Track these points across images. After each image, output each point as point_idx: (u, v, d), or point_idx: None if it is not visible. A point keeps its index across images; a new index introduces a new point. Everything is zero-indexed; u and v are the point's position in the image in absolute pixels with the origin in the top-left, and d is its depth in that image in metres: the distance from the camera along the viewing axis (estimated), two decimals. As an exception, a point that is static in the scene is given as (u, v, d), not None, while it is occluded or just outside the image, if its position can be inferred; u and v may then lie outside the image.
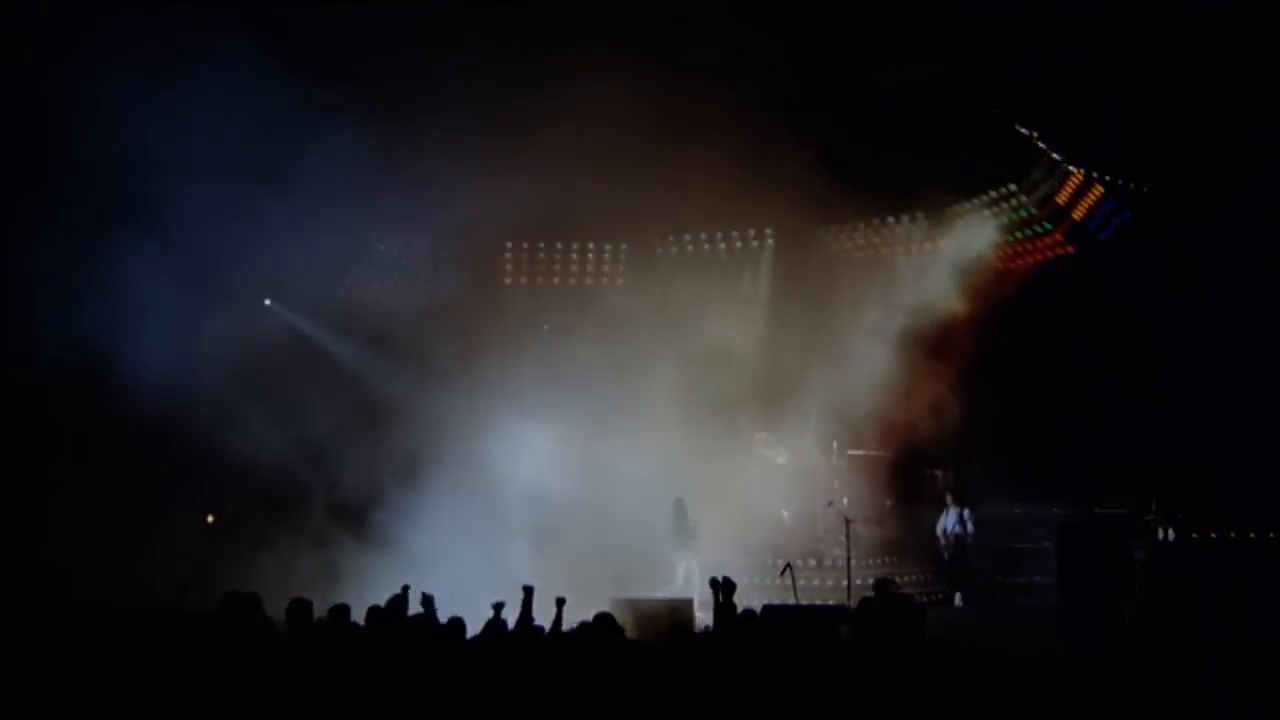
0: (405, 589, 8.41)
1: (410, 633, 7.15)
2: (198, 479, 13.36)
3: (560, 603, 8.05)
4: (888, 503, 15.41)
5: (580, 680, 5.90)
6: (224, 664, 6.11)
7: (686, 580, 13.09)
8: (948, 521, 14.78)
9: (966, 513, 14.72)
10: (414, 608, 8.11)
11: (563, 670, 6.07)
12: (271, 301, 15.05)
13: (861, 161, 13.93)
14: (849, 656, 6.20)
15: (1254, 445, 11.53)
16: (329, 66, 12.25)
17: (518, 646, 6.89)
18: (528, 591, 8.09)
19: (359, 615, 7.31)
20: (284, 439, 13.14)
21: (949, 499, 14.98)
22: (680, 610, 11.04)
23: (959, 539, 14.64)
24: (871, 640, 6.36)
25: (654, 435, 14.19)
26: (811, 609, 11.03)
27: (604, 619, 6.78)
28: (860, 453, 15.71)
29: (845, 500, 14.82)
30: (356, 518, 13.54)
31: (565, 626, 6.88)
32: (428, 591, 8.19)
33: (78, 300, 11.71)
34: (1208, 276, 12.19)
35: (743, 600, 11.73)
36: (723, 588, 8.49)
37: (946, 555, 14.75)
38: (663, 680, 5.91)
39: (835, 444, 15.50)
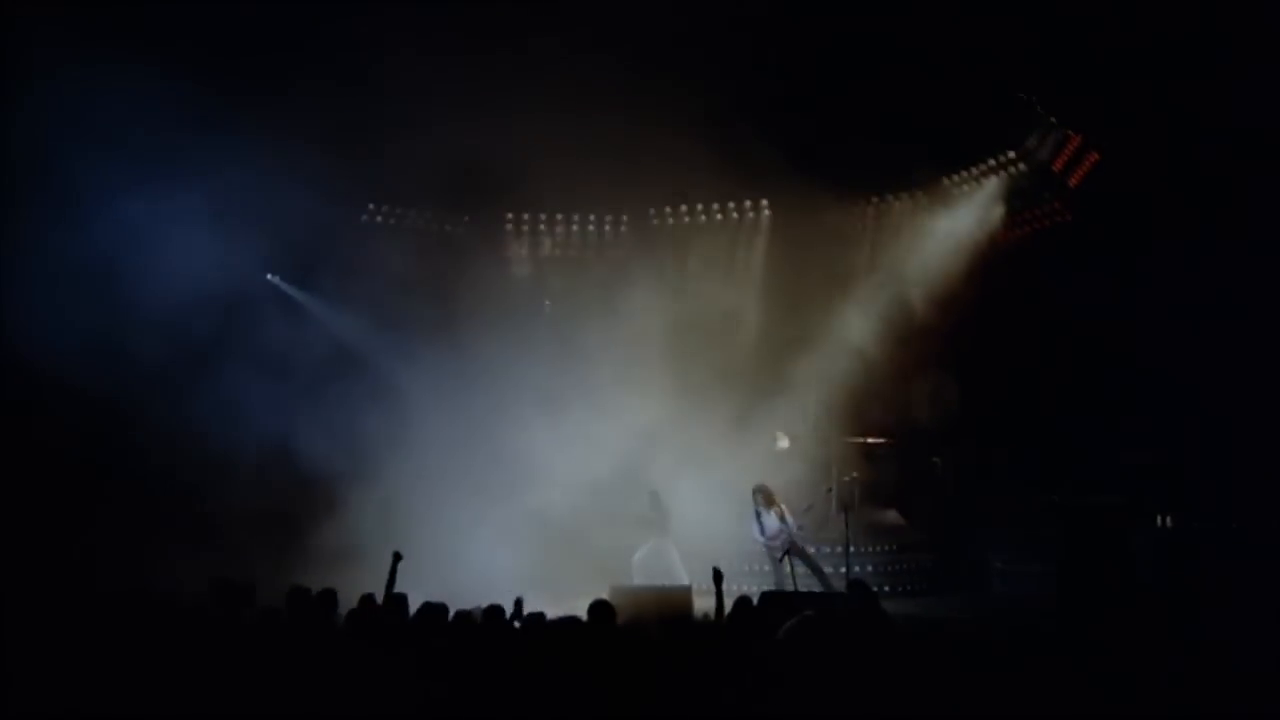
0: (395, 556, 8.43)
1: (405, 621, 7.15)
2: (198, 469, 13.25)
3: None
4: (889, 490, 15.35)
5: (579, 668, 5.90)
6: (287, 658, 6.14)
7: (644, 563, 13.20)
8: (768, 524, 12.59)
9: (784, 508, 12.70)
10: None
11: (561, 658, 6.07)
12: (272, 275, 15.04)
13: (857, 132, 13.76)
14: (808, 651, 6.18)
15: (1256, 432, 11.43)
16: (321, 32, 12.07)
17: (516, 634, 6.89)
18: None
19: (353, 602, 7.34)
20: (276, 419, 13.01)
21: (760, 499, 12.64)
22: (679, 598, 11.06)
23: (791, 541, 12.48)
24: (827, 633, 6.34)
25: (649, 415, 14.23)
26: (810, 596, 11.02)
27: (601, 606, 6.80)
28: (859, 439, 15.67)
29: (844, 488, 14.82)
30: (345, 501, 13.41)
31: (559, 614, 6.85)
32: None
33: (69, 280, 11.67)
34: (1210, 251, 11.98)
35: (741, 588, 11.90)
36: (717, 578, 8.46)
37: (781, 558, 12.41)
38: (662, 667, 5.92)
39: (834, 430, 15.48)
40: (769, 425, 15.55)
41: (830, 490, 14.26)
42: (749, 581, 12.91)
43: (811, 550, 12.85)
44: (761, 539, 12.70)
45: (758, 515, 12.64)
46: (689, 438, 14.47)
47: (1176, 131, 11.68)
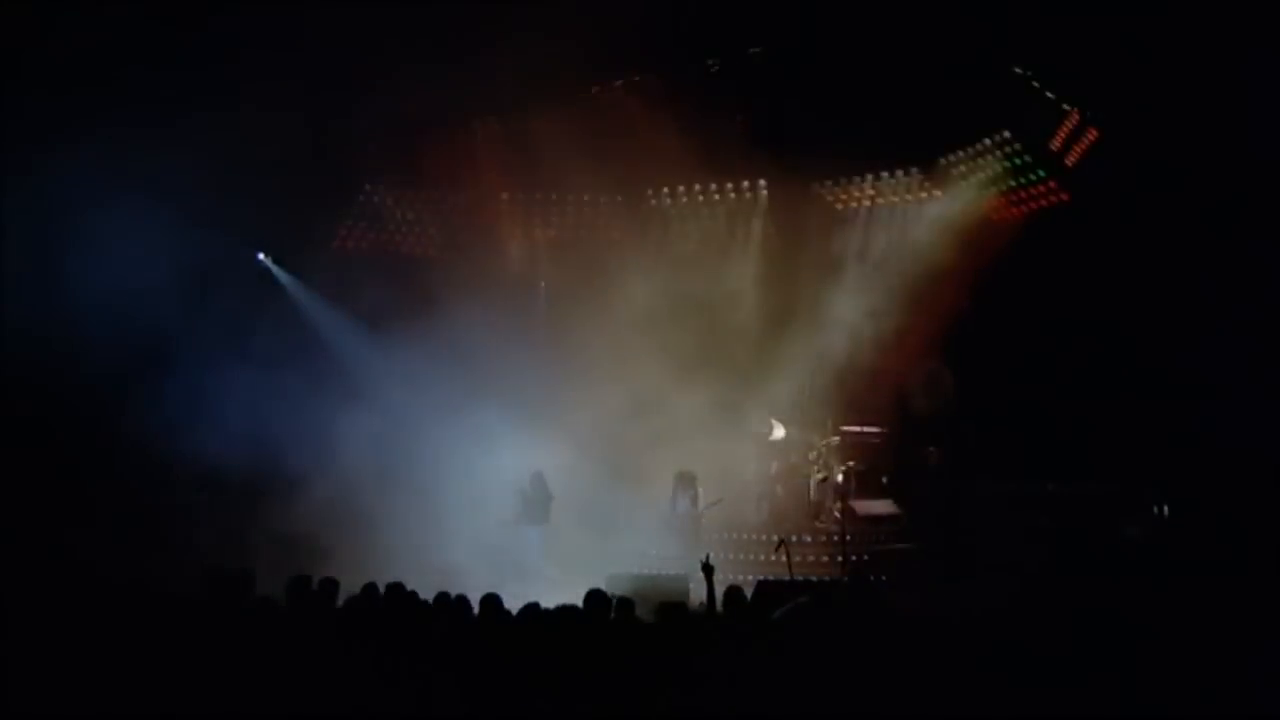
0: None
1: (402, 611, 7.13)
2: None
3: None
4: (884, 479, 15.35)
5: (576, 657, 5.89)
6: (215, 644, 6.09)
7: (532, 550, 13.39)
8: (680, 504, 14.11)
9: (698, 494, 14.19)
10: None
11: (558, 647, 6.07)
12: (265, 257, 14.94)
13: (854, 111, 13.66)
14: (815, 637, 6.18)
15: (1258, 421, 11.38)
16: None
17: (514, 624, 6.88)
18: None
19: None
20: (264, 410, 12.89)
21: (679, 484, 14.26)
22: (675, 587, 11.07)
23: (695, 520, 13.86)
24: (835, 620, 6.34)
25: (640, 400, 14.24)
26: (806, 585, 11.00)
27: (596, 596, 6.79)
28: (855, 428, 15.66)
29: (839, 476, 14.82)
30: (336, 491, 13.31)
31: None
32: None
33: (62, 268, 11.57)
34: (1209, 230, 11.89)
35: (738, 578, 11.89)
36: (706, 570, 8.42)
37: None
38: (658, 656, 5.91)
39: (829, 419, 15.46)
40: (764, 413, 15.55)
41: (825, 479, 14.15)
42: (750, 571, 12.89)
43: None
44: (671, 513, 14.12)
45: (675, 494, 14.19)
46: (681, 423, 14.48)
47: (1178, 107, 11.53)
